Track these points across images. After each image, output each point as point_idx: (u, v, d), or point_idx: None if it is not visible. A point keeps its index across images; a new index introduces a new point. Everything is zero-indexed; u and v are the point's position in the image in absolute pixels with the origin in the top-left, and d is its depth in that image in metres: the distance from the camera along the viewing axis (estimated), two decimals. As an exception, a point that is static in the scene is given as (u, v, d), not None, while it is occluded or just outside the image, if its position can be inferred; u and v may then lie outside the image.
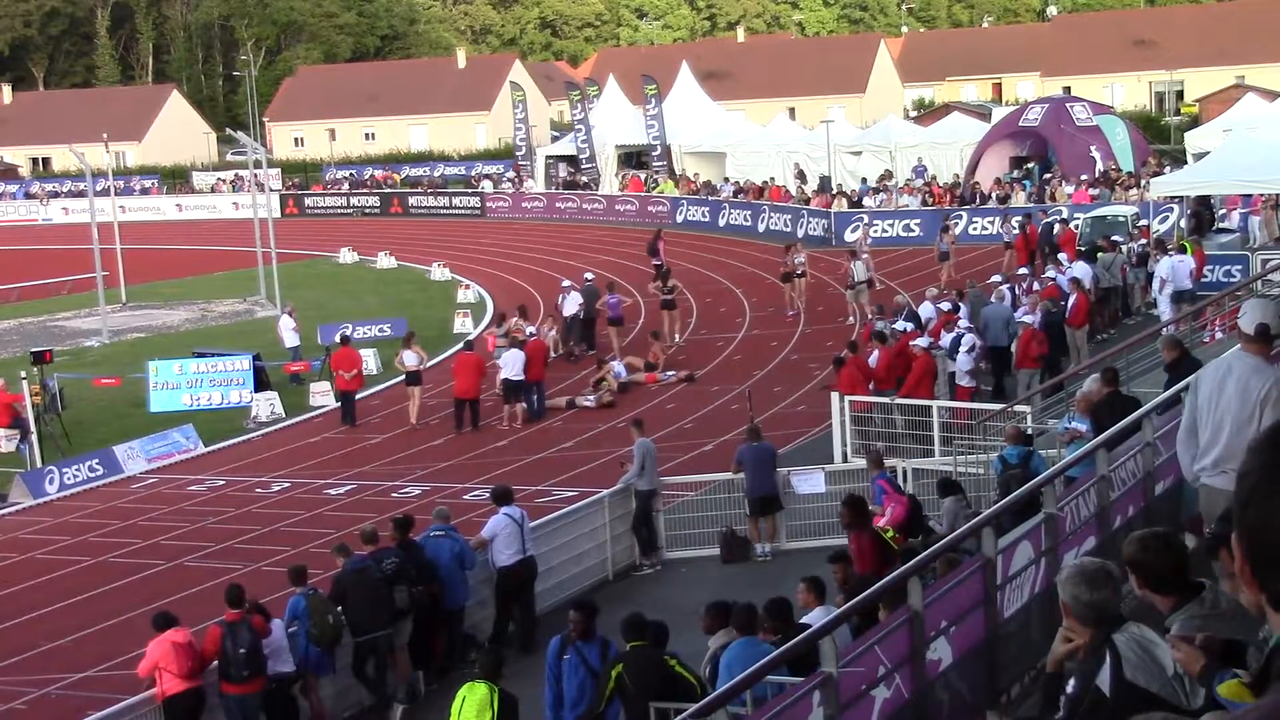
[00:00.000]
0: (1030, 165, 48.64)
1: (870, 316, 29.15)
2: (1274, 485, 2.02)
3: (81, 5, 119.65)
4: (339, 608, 14.66)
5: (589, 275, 34.90)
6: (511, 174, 69.98)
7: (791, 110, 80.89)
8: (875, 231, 45.61)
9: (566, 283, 33.09)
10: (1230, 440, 7.89)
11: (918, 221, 45.98)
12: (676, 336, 33.04)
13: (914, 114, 79.75)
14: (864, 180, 52.07)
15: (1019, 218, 37.46)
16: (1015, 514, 10.31)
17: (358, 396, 28.64)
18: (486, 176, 72.56)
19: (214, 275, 52.13)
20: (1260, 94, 55.15)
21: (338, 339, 29.92)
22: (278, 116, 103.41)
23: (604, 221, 58.05)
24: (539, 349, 27.79)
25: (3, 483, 25.35)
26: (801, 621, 10.92)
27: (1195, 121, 63.77)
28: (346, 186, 75.04)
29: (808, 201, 50.01)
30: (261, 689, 13.70)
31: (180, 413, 29.40)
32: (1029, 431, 17.23)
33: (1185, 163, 44.49)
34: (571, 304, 32.23)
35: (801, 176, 53.79)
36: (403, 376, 28.09)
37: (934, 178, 49.47)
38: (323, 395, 30.03)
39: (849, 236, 44.03)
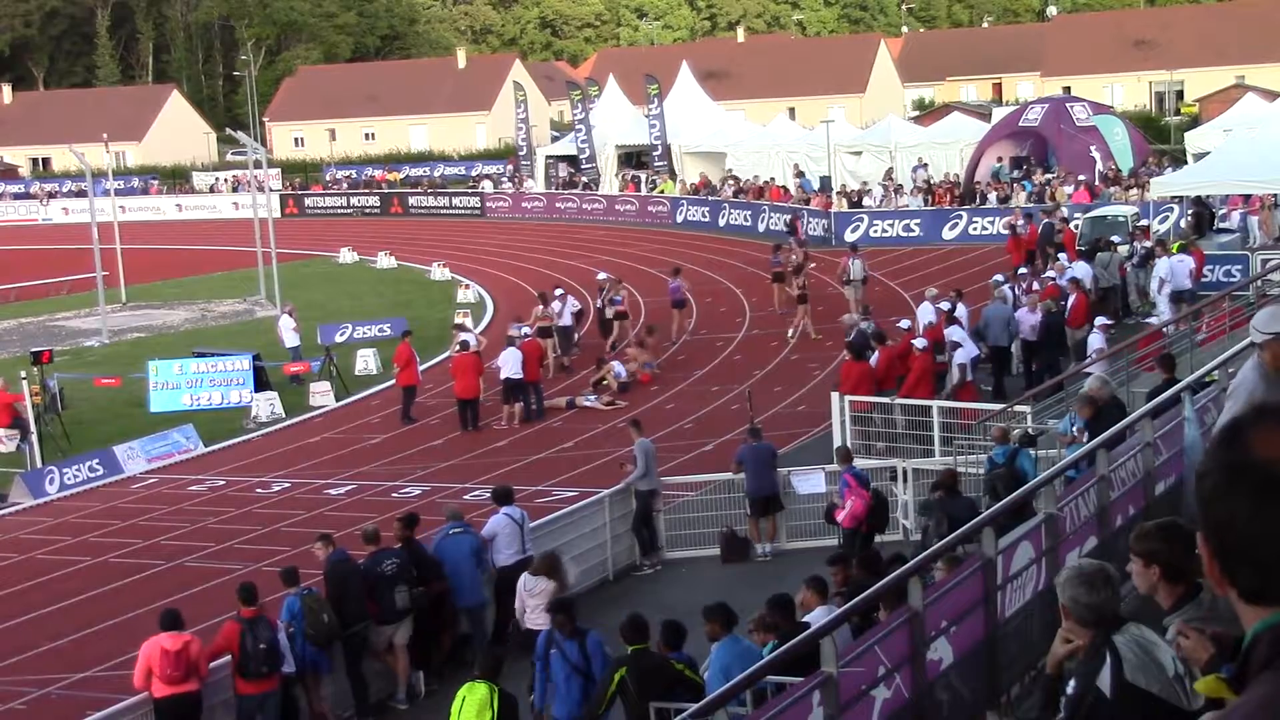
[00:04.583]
0: (1013, 171, 48.58)
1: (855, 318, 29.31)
2: (1233, 482, 2.04)
3: (81, 5, 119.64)
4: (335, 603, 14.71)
5: (602, 276, 34.25)
6: (511, 171, 70.10)
7: (791, 110, 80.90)
8: (875, 231, 45.68)
9: (559, 290, 32.25)
10: None
11: (917, 221, 46.01)
12: (804, 330, 32.18)
13: (914, 114, 79.75)
14: (801, 175, 52.93)
15: (1021, 219, 37.50)
16: (1008, 514, 10.31)
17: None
18: (486, 176, 72.58)
19: (214, 275, 52.12)
20: (1260, 94, 55.15)
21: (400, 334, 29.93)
22: (278, 116, 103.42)
23: (604, 221, 58.07)
24: (534, 349, 27.79)
25: (3, 483, 25.35)
26: (802, 621, 10.93)
27: (1195, 121, 63.76)
28: (346, 186, 75.03)
29: (808, 201, 50.02)
30: (275, 688, 13.71)
31: (180, 413, 29.39)
32: (1029, 431, 17.26)
33: (1185, 163, 44.49)
34: (567, 313, 31.64)
35: (800, 176, 53.78)
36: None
37: (928, 180, 49.44)
38: (323, 395, 30.03)
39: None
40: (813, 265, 34.19)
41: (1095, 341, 22.77)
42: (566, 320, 31.57)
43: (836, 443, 21.29)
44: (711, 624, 11.06)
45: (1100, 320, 24.06)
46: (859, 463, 19.10)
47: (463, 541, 15.84)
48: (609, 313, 32.25)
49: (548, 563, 14.82)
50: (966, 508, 15.01)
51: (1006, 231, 37.14)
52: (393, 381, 29.73)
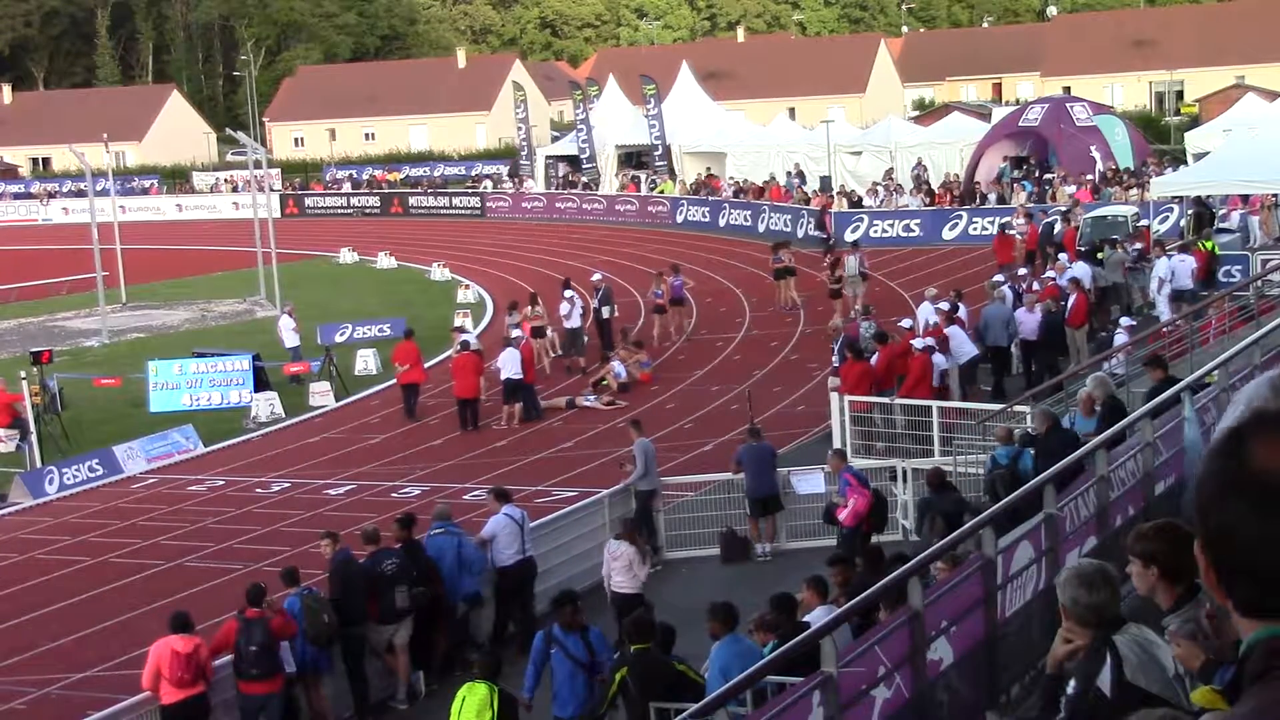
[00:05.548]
0: (1014, 170, 48.53)
1: (854, 315, 29.34)
2: (1231, 490, 1.99)
3: (81, 5, 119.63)
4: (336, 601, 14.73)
5: (597, 276, 33.97)
6: (508, 172, 70.23)
7: (791, 110, 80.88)
8: (875, 231, 45.70)
9: (569, 292, 31.59)
10: None
11: (917, 221, 46.02)
12: (838, 319, 32.01)
13: (914, 114, 79.74)
14: (801, 175, 53.61)
15: (1022, 218, 37.53)
16: (1008, 515, 10.32)
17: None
18: (487, 177, 72.60)
19: (214, 275, 52.12)
20: (1260, 94, 55.15)
21: (402, 333, 29.90)
22: (278, 116, 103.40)
23: (604, 221, 58.07)
24: (529, 351, 27.79)
25: (3, 483, 25.34)
26: (803, 621, 10.94)
27: (1195, 121, 63.74)
28: (349, 186, 75.00)
29: (807, 201, 50.05)
30: (276, 690, 13.70)
31: (180, 413, 29.39)
32: (1030, 431, 17.24)
33: (1185, 163, 44.47)
34: (576, 314, 31.20)
35: (800, 177, 53.79)
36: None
37: (927, 180, 49.52)
38: (322, 395, 30.02)
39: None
40: (827, 264, 34.22)
41: (1120, 338, 22.86)
42: (575, 321, 31.17)
43: (836, 443, 21.33)
44: (714, 623, 11.08)
45: (1125, 321, 24.14)
46: (858, 463, 19.14)
47: (443, 542, 15.86)
48: (605, 312, 32.20)
49: (628, 527, 16.16)
50: (954, 503, 15.06)
51: (999, 230, 37.27)
52: (393, 381, 29.71)
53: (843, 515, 16.57)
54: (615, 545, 15.83)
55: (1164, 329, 23.84)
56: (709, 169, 58.37)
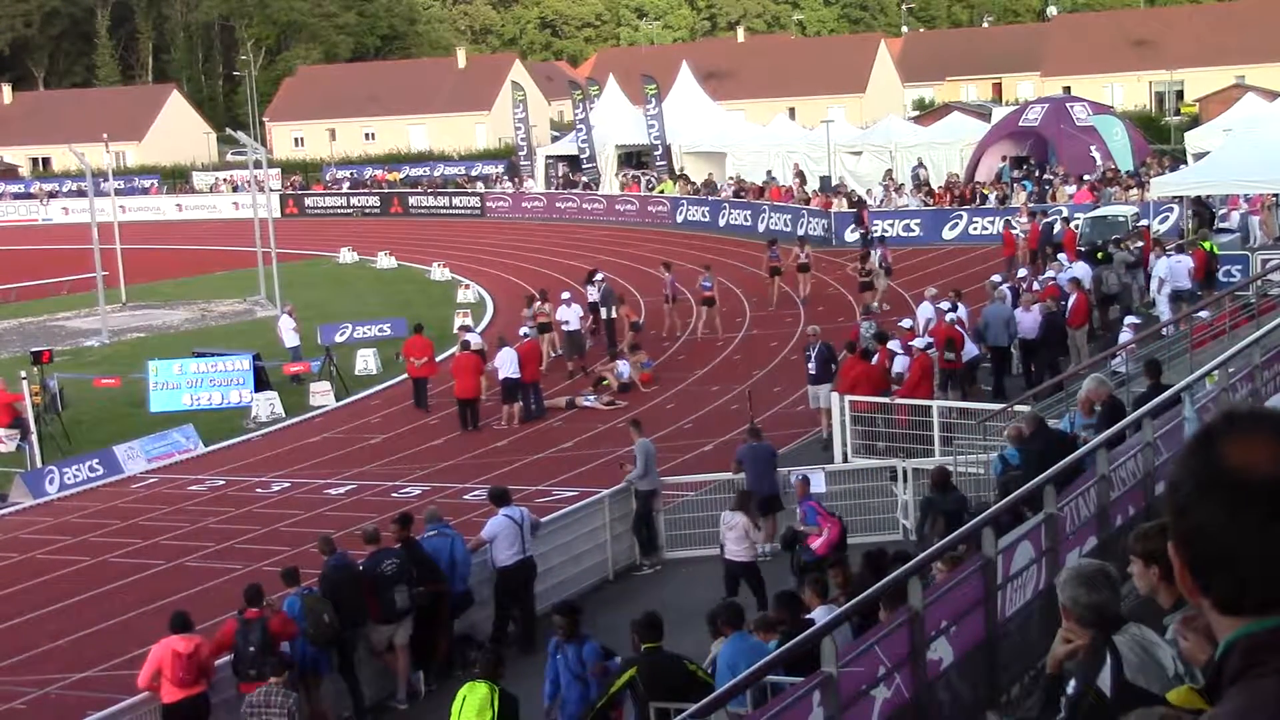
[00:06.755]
0: (1017, 169, 48.54)
1: (858, 319, 29.42)
2: (1203, 490, 2.02)
3: (81, 5, 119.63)
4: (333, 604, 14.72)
5: (600, 276, 34.03)
6: (503, 172, 70.37)
7: (791, 110, 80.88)
8: (875, 231, 45.69)
9: (566, 294, 31.37)
10: None
11: (917, 221, 46.02)
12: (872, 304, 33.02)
13: (914, 114, 79.70)
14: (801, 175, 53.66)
15: (1023, 218, 37.58)
16: (1013, 515, 10.31)
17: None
18: (483, 178, 72.66)
19: (214, 275, 52.13)
20: (1260, 94, 55.09)
21: (411, 329, 30.10)
22: (278, 116, 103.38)
23: (604, 221, 58.07)
24: (531, 350, 27.77)
25: (3, 483, 25.35)
26: (806, 619, 10.93)
27: (1195, 121, 63.72)
28: (347, 186, 74.99)
29: (808, 201, 50.05)
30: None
31: (180, 413, 29.39)
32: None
33: (1185, 163, 44.47)
34: (574, 317, 30.82)
35: (801, 177, 53.82)
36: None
37: (926, 180, 49.59)
38: (323, 395, 30.02)
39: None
40: (859, 258, 34.74)
41: (1125, 336, 22.90)
42: (575, 325, 30.75)
43: (836, 443, 21.34)
44: (721, 621, 11.08)
45: (1129, 319, 24.15)
46: (859, 463, 19.15)
47: (438, 544, 15.87)
48: (605, 312, 32.23)
49: (740, 499, 16.78)
50: (957, 502, 15.07)
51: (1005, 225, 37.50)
52: (393, 381, 29.80)
53: (816, 544, 16.34)
54: (730, 516, 16.48)
55: (1164, 329, 23.84)
56: (682, 168, 58.42)
